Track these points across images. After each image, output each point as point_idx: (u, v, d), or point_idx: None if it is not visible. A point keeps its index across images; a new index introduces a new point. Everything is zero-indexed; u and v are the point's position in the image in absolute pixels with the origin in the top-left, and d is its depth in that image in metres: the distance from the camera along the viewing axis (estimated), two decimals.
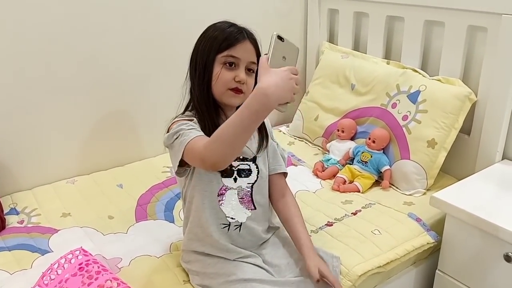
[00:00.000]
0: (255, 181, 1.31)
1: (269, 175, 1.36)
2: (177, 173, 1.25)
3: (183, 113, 1.28)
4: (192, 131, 1.15)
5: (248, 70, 1.22)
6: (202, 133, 1.16)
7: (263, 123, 1.30)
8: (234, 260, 1.28)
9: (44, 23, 1.72)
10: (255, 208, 1.32)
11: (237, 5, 2.14)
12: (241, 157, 1.28)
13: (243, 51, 1.20)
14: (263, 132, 1.33)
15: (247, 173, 1.29)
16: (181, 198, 1.35)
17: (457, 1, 1.71)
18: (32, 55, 1.73)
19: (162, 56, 2.01)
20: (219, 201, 1.26)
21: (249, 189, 1.30)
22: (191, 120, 1.20)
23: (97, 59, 1.87)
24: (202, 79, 1.22)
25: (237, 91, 1.21)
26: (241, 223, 1.29)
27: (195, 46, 1.25)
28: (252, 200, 1.31)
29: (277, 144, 1.42)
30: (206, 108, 1.22)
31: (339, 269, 1.33)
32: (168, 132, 1.20)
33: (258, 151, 1.31)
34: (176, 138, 1.15)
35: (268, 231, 1.40)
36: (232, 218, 1.28)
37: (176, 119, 1.22)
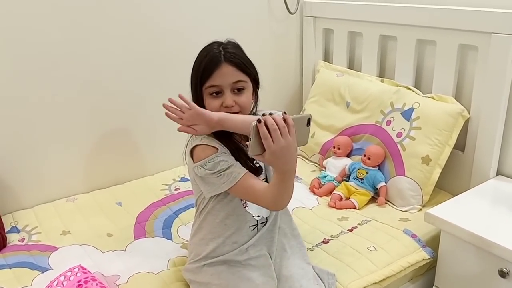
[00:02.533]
0: (267, 176, 1.36)
1: None
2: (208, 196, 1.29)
3: None
4: (230, 168, 1.20)
5: (237, 90, 1.26)
6: (236, 163, 1.22)
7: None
8: (245, 262, 1.32)
9: (46, 46, 1.76)
10: None
11: (233, 26, 2.18)
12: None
13: (221, 77, 1.23)
14: None
15: (260, 170, 1.32)
16: (195, 207, 1.38)
17: (448, 20, 1.75)
18: (34, 75, 1.76)
19: (162, 76, 2.04)
20: (243, 204, 1.31)
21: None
22: (215, 149, 1.22)
23: (97, 80, 1.90)
24: None
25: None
26: (266, 217, 1.34)
27: (190, 79, 1.30)
28: None
29: None
30: (214, 135, 1.26)
31: (334, 286, 1.35)
32: (192, 158, 1.26)
33: None
34: (217, 176, 1.20)
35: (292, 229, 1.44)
36: (258, 216, 1.32)
37: (201, 143, 1.24)
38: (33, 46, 1.73)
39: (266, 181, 1.35)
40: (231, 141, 1.27)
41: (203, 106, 1.25)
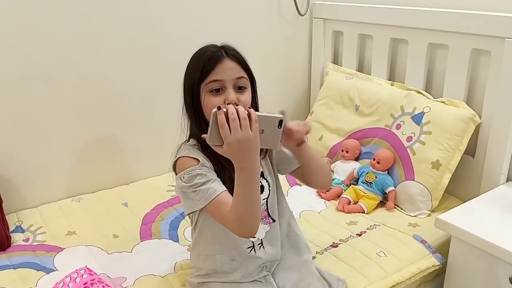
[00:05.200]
0: (268, 195, 1.29)
1: (294, 170, 1.34)
2: (186, 213, 1.24)
3: (188, 140, 1.26)
4: (207, 183, 1.13)
5: (239, 88, 1.18)
6: (216, 179, 1.15)
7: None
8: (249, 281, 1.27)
9: (51, 47, 1.75)
10: (273, 221, 1.31)
11: (243, 27, 2.16)
12: None
13: (224, 71, 1.16)
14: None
15: (260, 190, 1.24)
16: (191, 225, 1.33)
17: (461, 24, 1.73)
18: (40, 74, 1.75)
19: (167, 77, 2.02)
20: None
21: (264, 205, 1.29)
22: (196, 161, 1.16)
23: (103, 81, 1.89)
24: (194, 113, 1.20)
25: None
26: (262, 239, 1.28)
27: (183, 78, 1.23)
28: (268, 214, 1.30)
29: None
30: (201, 146, 1.20)
31: None
32: (175, 170, 1.21)
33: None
34: (193, 191, 1.13)
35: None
36: (253, 237, 1.24)
37: (183, 155, 1.19)
38: (36, 47, 1.72)
39: (267, 203, 1.29)
40: (216, 154, 1.11)
41: (198, 107, 1.18)
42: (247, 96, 1.19)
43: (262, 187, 1.27)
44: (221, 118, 0.99)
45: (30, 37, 1.70)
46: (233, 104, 1.05)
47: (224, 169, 1.18)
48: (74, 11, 1.76)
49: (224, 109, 1.00)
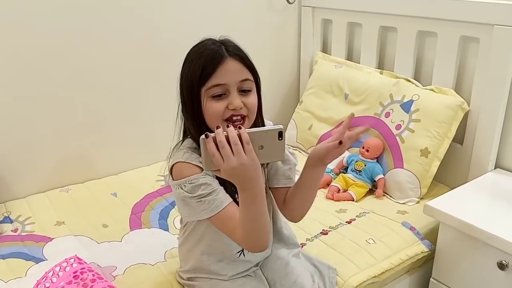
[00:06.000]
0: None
1: (275, 187, 1.25)
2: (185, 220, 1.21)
3: (182, 141, 1.18)
4: (212, 194, 1.06)
5: (243, 91, 1.08)
6: (220, 188, 1.08)
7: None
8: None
9: (40, 40, 1.73)
10: None
11: (231, 18, 2.14)
12: None
13: (227, 74, 1.05)
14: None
15: None
16: (180, 224, 1.31)
17: (450, 12, 1.73)
18: (26, 68, 1.73)
19: (158, 69, 2.01)
20: None
21: None
22: (199, 169, 1.07)
23: (91, 70, 1.87)
24: (193, 117, 1.10)
25: (235, 121, 1.07)
26: None
27: (180, 78, 1.12)
28: None
29: (289, 152, 1.26)
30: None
31: (335, 280, 1.34)
32: (171, 175, 1.12)
33: None
34: (197, 202, 1.07)
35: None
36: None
37: (183, 161, 1.10)
38: (24, 39, 1.70)
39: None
40: None
41: (199, 114, 1.09)
42: (253, 98, 1.09)
43: None
44: (211, 147, 0.91)
45: (17, 29, 1.67)
46: (222, 126, 0.94)
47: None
48: (63, 4, 1.74)
49: (213, 135, 0.92)
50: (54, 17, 1.73)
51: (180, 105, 1.14)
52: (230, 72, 1.05)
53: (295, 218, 1.26)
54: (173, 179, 1.11)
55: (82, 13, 1.79)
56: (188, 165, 1.08)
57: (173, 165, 1.11)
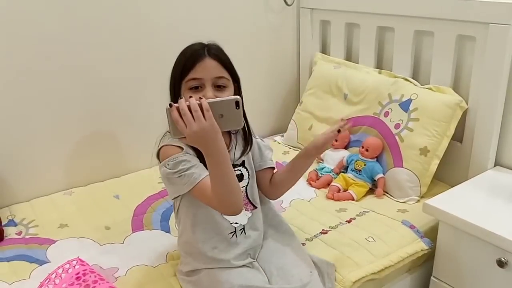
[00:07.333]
0: (248, 183, 1.35)
1: (256, 172, 1.39)
2: (171, 197, 1.28)
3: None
4: (191, 169, 1.17)
5: (218, 86, 1.21)
6: (199, 164, 1.19)
7: (245, 126, 1.31)
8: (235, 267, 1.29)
9: (39, 40, 1.74)
10: (255, 207, 1.36)
11: (230, 21, 2.15)
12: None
13: (204, 70, 1.19)
14: (247, 137, 1.35)
15: (239, 178, 1.31)
16: (173, 212, 1.37)
17: (446, 11, 1.74)
18: (29, 69, 1.75)
19: (157, 69, 2.02)
20: None
21: (244, 192, 1.34)
22: (180, 148, 1.20)
23: (92, 74, 1.89)
24: None
25: None
26: (244, 225, 1.33)
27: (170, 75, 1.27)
28: (249, 201, 1.35)
29: (261, 139, 1.44)
30: None
31: (333, 276, 1.35)
32: (158, 159, 1.25)
33: (243, 154, 1.33)
34: (178, 177, 1.18)
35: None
36: (236, 223, 1.31)
37: (166, 144, 1.23)
38: (23, 40, 1.71)
39: (246, 190, 1.35)
40: None
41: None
42: (226, 95, 1.20)
43: (242, 176, 1.33)
44: (174, 114, 1.04)
45: (16, 30, 1.69)
46: (185, 97, 1.08)
47: None
48: (60, 4, 1.76)
49: (176, 104, 1.04)
50: (54, 18, 1.75)
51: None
52: (206, 69, 1.20)
53: (277, 196, 1.44)
54: (159, 161, 1.24)
55: (82, 14, 1.81)
56: (171, 147, 1.21)
57: (159, 149, 1.24)
